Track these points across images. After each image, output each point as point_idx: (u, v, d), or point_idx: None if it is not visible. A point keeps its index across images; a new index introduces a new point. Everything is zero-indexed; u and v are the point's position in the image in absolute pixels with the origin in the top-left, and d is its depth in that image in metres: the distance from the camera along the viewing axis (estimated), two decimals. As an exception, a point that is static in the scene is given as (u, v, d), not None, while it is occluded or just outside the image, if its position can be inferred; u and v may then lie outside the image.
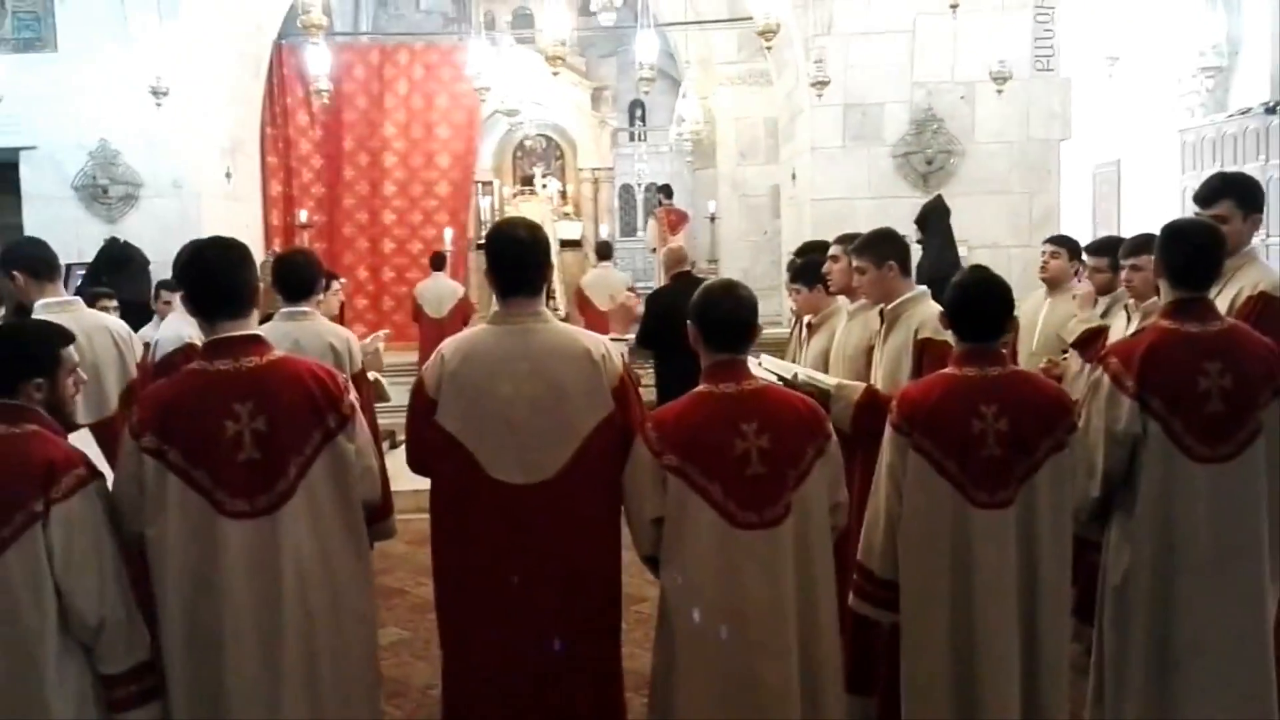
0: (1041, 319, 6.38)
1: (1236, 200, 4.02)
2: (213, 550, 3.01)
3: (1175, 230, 3.64)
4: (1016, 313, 6.57)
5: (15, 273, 4.76)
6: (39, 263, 4.77)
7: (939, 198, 10.40)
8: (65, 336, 3.23)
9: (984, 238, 11.11)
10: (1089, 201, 15.92)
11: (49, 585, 2.89)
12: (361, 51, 14.66)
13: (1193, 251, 3.53)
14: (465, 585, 3.43)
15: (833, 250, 5.01)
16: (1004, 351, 3.51)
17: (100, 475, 3.05)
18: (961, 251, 10.90)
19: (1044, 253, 6.64)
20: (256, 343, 3.18)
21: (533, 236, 3.47)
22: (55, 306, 4.65)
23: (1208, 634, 3.41)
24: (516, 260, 3.44)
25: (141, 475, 3.02)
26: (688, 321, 3.38)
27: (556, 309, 5.53)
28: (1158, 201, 13.40)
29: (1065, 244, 6.62)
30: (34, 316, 4.56)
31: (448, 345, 3.48)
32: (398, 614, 6.25)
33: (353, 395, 3.27)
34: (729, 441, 3.20)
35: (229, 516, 3.01)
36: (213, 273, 3.17)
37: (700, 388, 3.33)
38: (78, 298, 5.14)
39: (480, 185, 16.15)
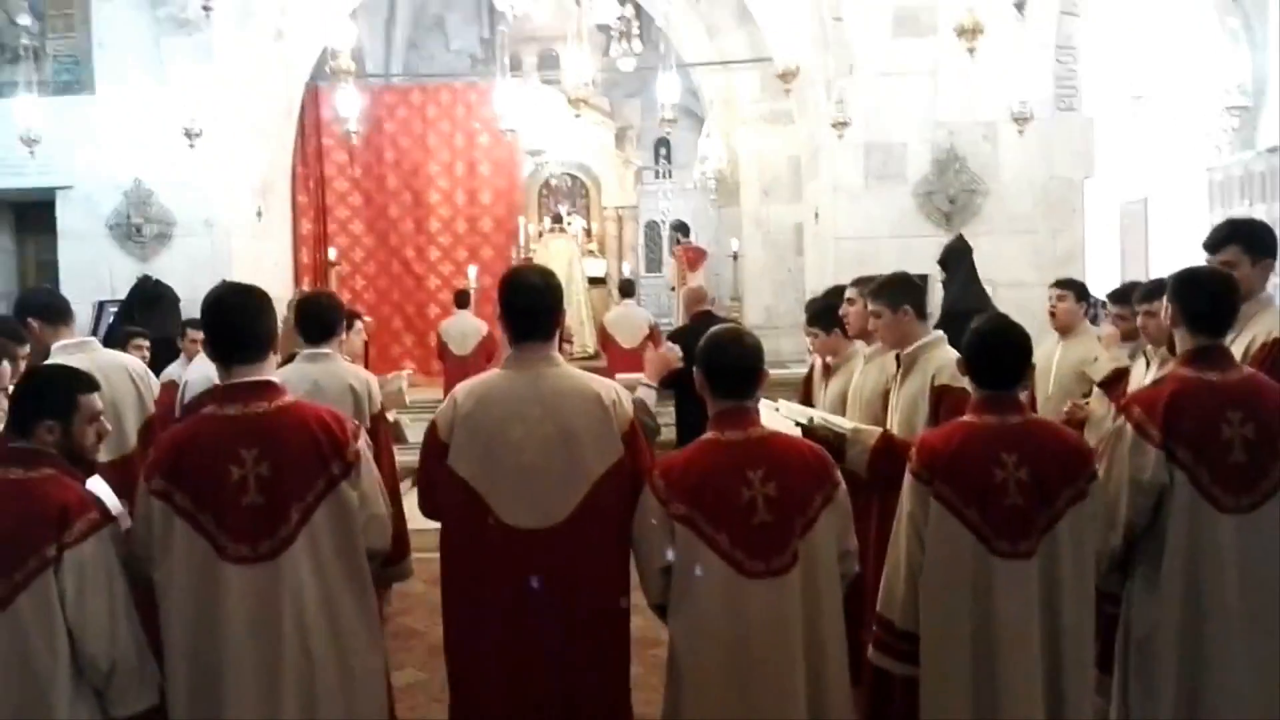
0: (1055, 363, 6.37)
1: (1243, 245, 4.01)
2: (214, 595, 3.04)
3: (1189, 277, 3.63)
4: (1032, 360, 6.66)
5: (30, 320, 4.89)
6: (50, 310, 4.94)
7: (960, 237, 10.40)
8: (87, 383, 3.26)
9: (1008, 277, 11.06)
10: (1116, 239, 15.89)
11: (61, 629, 2.91)
12: (403, 92, 14.85)
13: (1208, 298, 3.52)
14: (474, 629, 3.45)
15: (849, 293, 5.03)
16: (1023, 399, 3.52)
17: (114, 519, 3.08)
18: (987, 290, 10.91)
19: (1051, 296, 6.63)
20: (268, 389, 3.22)
21: (545, 283, 3.51)
22: (71, 348, 4.81)
23: (1240, 686, 3.36)
24: (529, 306, 3.47)
25: (151, 518, 3.07)
26: (694, 369, 3.41)
27: (572, 353, 5.54)
28: (1186, 239, 13.33)
29: (1072, 286, 6.62)
30: (50, 360, 4.68)
31: (461, 389, 3.51)
32: (416, 655, 6.19)
33: (362, 442, 3.30)
34: (736, 489, 3.20)
35: (230, 561, 3.04)
36: (231, 319, 3.24)
37: (707, 435, 3.34)
38: (93, 338, 5.29)
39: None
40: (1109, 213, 15.39)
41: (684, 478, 3.27)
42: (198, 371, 6.15)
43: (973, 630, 3.30)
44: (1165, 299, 3.68)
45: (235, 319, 3.24)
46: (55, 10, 10.89)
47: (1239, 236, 4.06)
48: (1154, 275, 13.39)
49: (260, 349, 3.25)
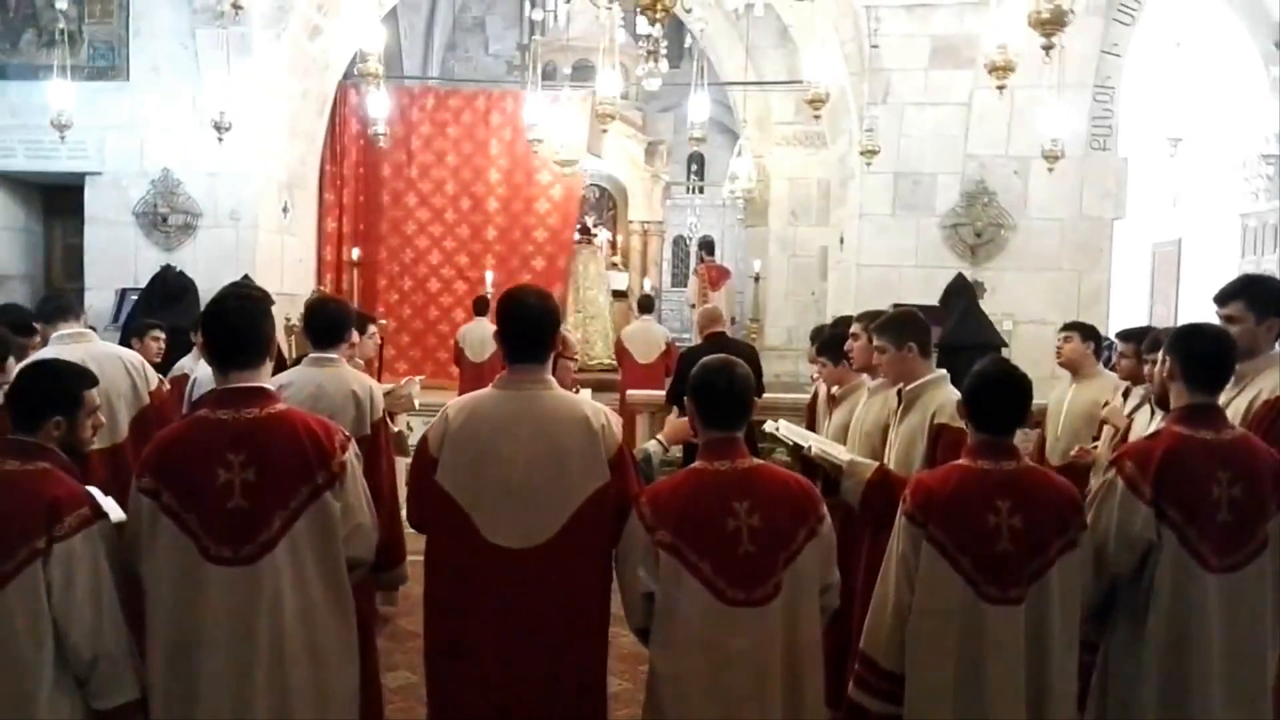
0: (1066, 406, 6.35)
1: (1248, 301, 3.97)
2: (195, 593, 3.08)
3: (1189, 333, 3.62)
4: (1045, 400, 6.63)
5: (35, 324, 5.23)
6: (51, 310, 5.26)
7: (960, 276, 10.41)
8: (88, 379, 3.33)
9: (1029, 314, 11.05)
10: (1147, 280, 15.79)
11: (47, 620, 2.97)
12: (469, 96, 14.89)
13: (1207, 356, 3.51)
14: (453, 642, 3.45)
15: (854, 328, 5.02)
16: (1025, 440, 3.50)
17: (105, 516, 3.13)
18: (1006, 326, 10.86)
19: (1058, 338, 6.61)
20: (262, 395, 3.25)
21: (542, 306, 3.52)
22: (67, 338, 5.05)
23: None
24: (523, 329, 3.49)
25: (140, 514, 3.12)
26: (684, 398, 3.40)
27: (576, 365, 5.51)
28: (1217, 283, 13.23)
29: (1078, 328, 6.62)
30: (48, 348, 4.89)
31: (453, 405, 3.53)
32: (410, 657, 6.15)
33: (350, 453, 3.31)
34: (721, 520, 3.20)
35: (213, 562, 3.07)
36: (232, 324, 3.28)
37: (695, 464, 3.35)
38: (88, 330, 5.37)
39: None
40: (1141, 253, 15.29)
41: (670, 506, 3.28)
42: (208, 368, 6.16)
43: (959, 674, 3.29)
44: (1163, 352, 3.66)
45: (234, 325, 3.28)
46: (93, -5, 10.98)
47: (1246, 292, 4.03)
48: (1183, 318, 13.36)
49: (257, 355, 3.29)
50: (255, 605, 3.09)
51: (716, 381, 3.35)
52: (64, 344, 4.97)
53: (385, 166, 14.39)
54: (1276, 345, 4.03)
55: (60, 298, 5.55)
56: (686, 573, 3.20)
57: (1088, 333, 6.58)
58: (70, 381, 3.28)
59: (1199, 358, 3.51)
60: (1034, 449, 6.97)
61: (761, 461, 3.41)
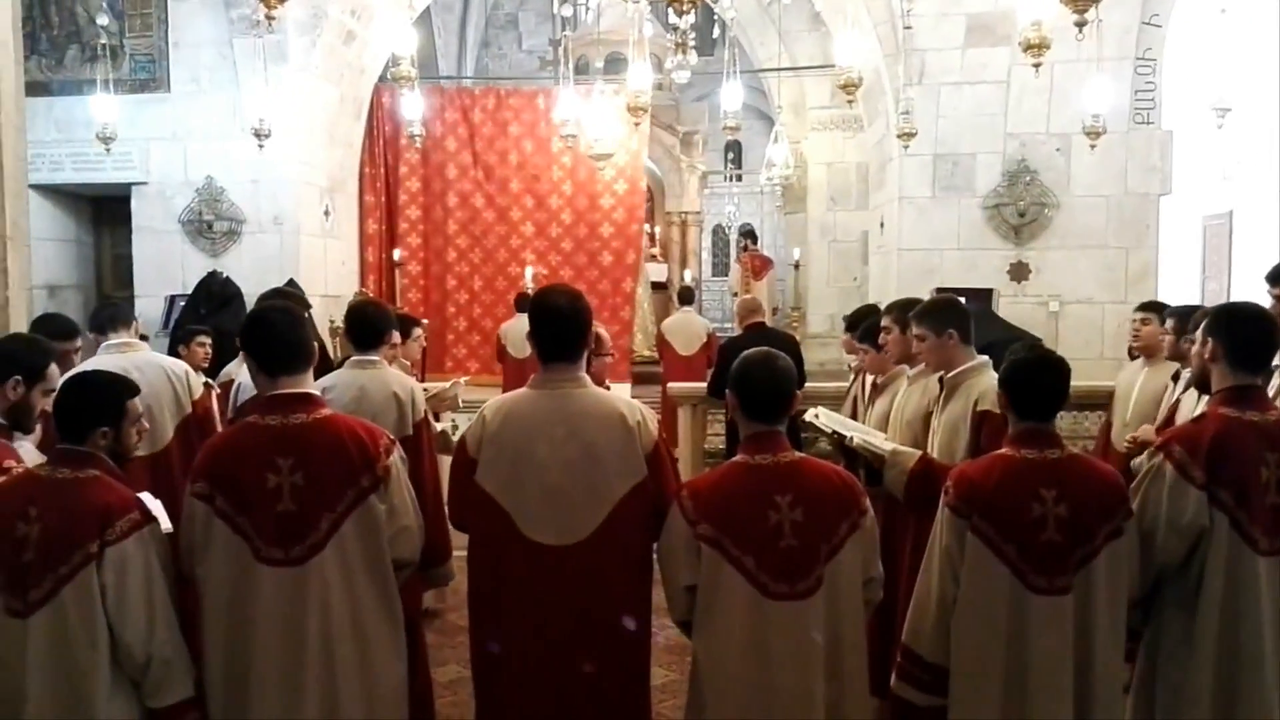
0: (1137, 389, 6.14)
1: None
2: (248, 593, 3.18)
3: (1229, 314, 3.57)
4: (1113, 382, 6.49)
5: (89, 334, 5.55)
6: (103, 321, 5.53)
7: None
8: (131, 388, 3.41)
9: (1077, 293, 10.93)
10: (1198, 254, 15.53)
11: (102, 622, 3.07)
12: (529, 95, 14.93)
13: (1248, 337, 3.46)
14: (498, 639, 3.50)
15: (884, 322, 4.96)
16: (1058, 432, 3.45)
17: (154, 520, 3.22)
18: (1053, 307, 10.75)
19: (1134, 320, 6.40)
20: (308, 401, 3.35)
21: (573, 306, 3.55)
22: (115, 347, 5.36)
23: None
24: (556, 329, 3.52)
25: (194, 518, 3.22)
26: (726, 391, 3.41)
27: (610, 353, 5.47)
28: (1271, 256, 13.02)
29: (1156, 310, 6.30)
30: (97, 357, 5.29)
31: (490, 406, 3.58)
32: (460, 652, 6.19)
33: (395, 456, 3.38)
34: (763, 513, 3.21)
35: (264, 563, 3.18)
36: (276, 333, 3.37)
37: (737, 458, 3.35)
38: (136, 340, 5.60)
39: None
40: (1191, 228, 15.05)
41: (712, 500, 3.29)
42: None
43: (1005, 665, 3.28)
44: (1201, 334, 3.60)
45: (279, 334, 3.37)
46: (133, 10, 11.15)
47: None
48: (1236, 293, 13.13)
49: (302, 361, 3.39)
50: (305, 604, 3.19)
51: (757, 375, 3.35)
52: (111, 353, 5.28)
53: (424, 167, 14.45)
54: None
55: (112, 307, 5.76)
56: (728, 566, 3.22)
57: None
58: (114, 392, 3.35)
59: (1241, 339, 3.45)
60: (1100, 433, 6.85)
61: (803, 455, 3.41)
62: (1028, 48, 6.17)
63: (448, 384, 6.47)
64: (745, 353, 3.45)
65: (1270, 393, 3.64)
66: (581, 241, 14.59)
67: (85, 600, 3.05)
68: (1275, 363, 3.92)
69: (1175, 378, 5.68)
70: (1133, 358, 6.60)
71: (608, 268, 14.54)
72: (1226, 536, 3.30)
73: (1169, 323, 5.72)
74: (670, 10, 4.82)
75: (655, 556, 3.48)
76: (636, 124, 7.47)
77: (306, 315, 3.57)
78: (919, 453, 4.31)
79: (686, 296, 12.41)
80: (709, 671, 3.30)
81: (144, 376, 4.89)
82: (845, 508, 3.28)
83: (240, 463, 3.22)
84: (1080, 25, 4.80)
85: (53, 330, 5.07)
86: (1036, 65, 6.13)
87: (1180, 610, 3.40)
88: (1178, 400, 5.30)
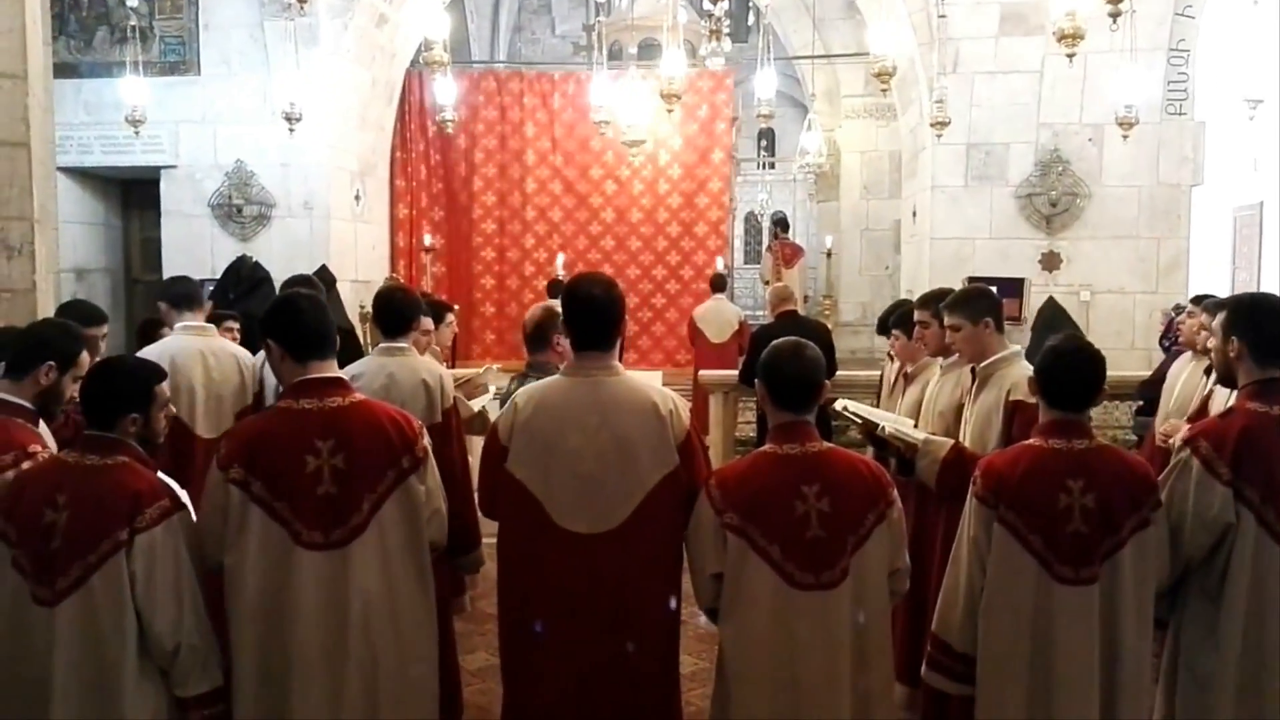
0: (1181, 381, 6.14)
1: None
2: (287, 579, 3.17)
3: (1254, 307, 3.55)
4: (1122, 374, 6.46)
5: (160, 303, 5.67)
6: (179, 296, 5.59)
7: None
8: (159, 373, 3.40)
9: (1109, 283, 10.90)
10: (1229, 245, 15.41)
11: (130, 610, 3.05)
12: (561, 80, 14.96)
13: (1276, 329, 3.43)
14: (527, 627, 3.50)
15: (918, 315, 4.94)
16: (1089, 423, 3.44)
17: (184, 507, 3.21)
18: (1084, 296, 10.71)
19: (1184, 312, 6.39)
20: (340, 384, 3.36)
21: (607, 295, 3.54)
22: (192, 329, 5.46)
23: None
24: (590, 317, 3.52)
25: (227, 505, 3.18)
26: (755, 380, 3.40)
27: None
28: (1301, 248, 12.92)
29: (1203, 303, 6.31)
30: (170, 336, 5.44)
31: (522, 394, 3.58)
32: (489, 639, 6.15)
33: (426, 439, 3.41)
34: (790, 503, 3.22)
35: (304, 547, 3.17)
36: (305, 319, 3.37)
37: (765, 447, 3.37)
38: (211, 325, 5.69)
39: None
40: (1222, 219, 14.93)
41: (739, 489, 3.30)
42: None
43: (1032, 654, 3.30)
44: (1222, 330, 3.56)
45: (309, 319, 3.37)
46: (163, -9, 11.17)
47: None
48: (1266, 283, 13.02)
49: (332, 346, 3.41)
50: (347, 587, 3.19)
51: (786, 365, 3.35)
52: (186, 334, 5.40)
53: (452, 151, 14.47)
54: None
55: (187, 284, 5.78)
56: (754, 555, 3.23)
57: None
58: (142, 379, 3.32)
59: (1267, 332, 3.43)
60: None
61: (831, 445, 3.42)
62: (1062, 38, 6.13)
63: (480, 369, 6.48)
64: (774, 342, 3.46)
65: None
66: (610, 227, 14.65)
67: (114, 588, 3.03)
68: None
69: (1209, 371, 5.64)
70: (1164, 349, 6.58)
71: (635, 252, 14.57)
72: (1253, 532, 3.30)
73: (1197, 310, 5.72)
74: (704, -4, 4.79)
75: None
76: (670, 110, 7.43)
77: (333, 294, 3.55)
78: (951, 441, 4.31)
79: (718, 284, 12.36)
80: (734, 660, 3.32)
81: (217, 362, 5.30)
82: (872, 499, 3.29)
83: (278, 447, 3.20)
84: (1114, 16, 4.75)
85: (80, 315, 5.09)
86: (1071, 55, 6.10)
87: (1205, 602, 3.40)
88: (1210, 392, 5.25)
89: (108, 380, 3.29)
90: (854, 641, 3.24)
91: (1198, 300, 6.37)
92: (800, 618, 3.21)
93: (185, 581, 3.12)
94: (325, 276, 10.23)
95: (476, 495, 3.73)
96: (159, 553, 3.07)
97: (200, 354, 5.30)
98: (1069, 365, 3.41)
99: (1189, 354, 6.28)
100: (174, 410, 3.56)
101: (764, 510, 3.23)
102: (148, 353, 5.17)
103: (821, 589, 3.20)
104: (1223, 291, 11.36)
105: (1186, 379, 6.13)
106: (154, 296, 5.70)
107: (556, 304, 5.64)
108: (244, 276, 10.62)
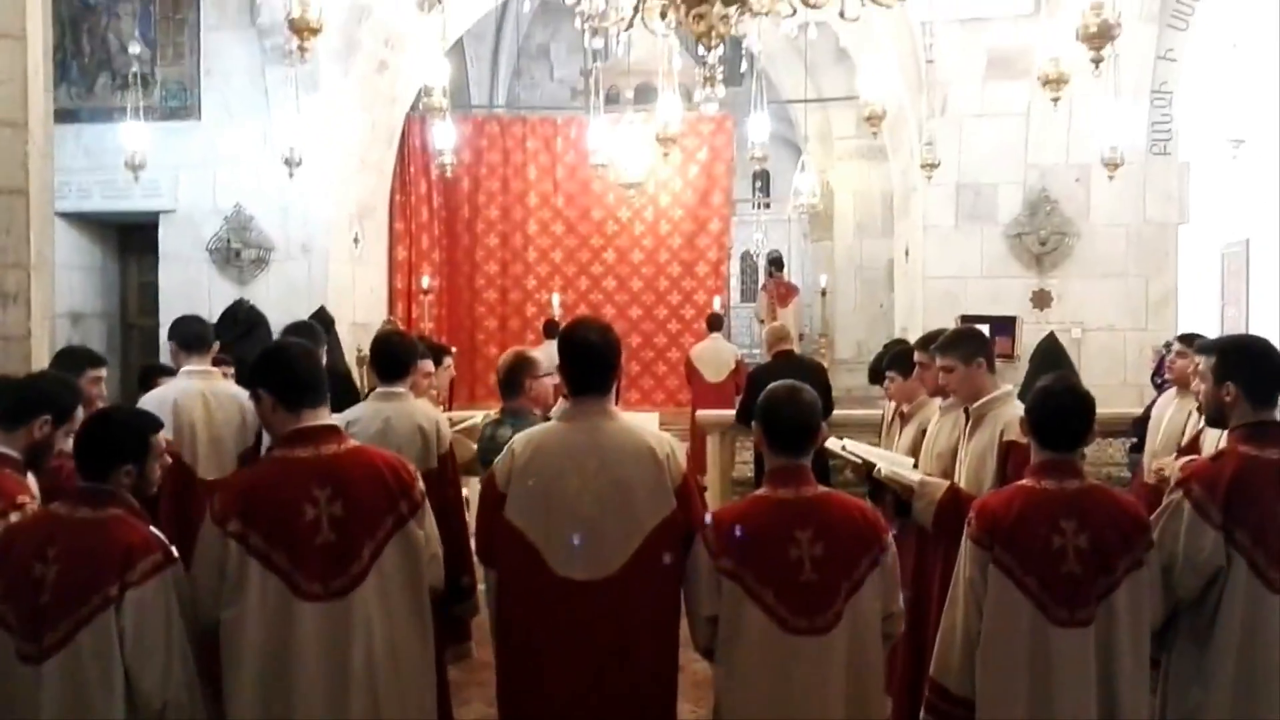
0: (1168, 418, 6.25)
1: None
2: (288, 631, 3.14)
3: (1241, 351, 3.61)
4: (1111, 411, 6.53)
5: (170, 342, 5.69)
6: (192, 337, 5.62)
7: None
8: (155, 424, 3.39)
9: (1099, 321, 10.98)
10: (1217, 281, 15.53)
11: (119, 667, 2.99)
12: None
13: (1266, 371, 3.49)
14: (526, 677, 3.51)
15: (919, 357, 4.97)
16: (1080, 463, 3.48)
17: (176, 561, 3.16)
18: (1075, 334, 10.81)
19: (1173, 350, 6.48)
20: (335, 432, 3.37)
21: (603, 339, 3.58)
22: (196, 374, 5.49)
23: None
24: (587, 362, 3.54)
25: (224, 560, 3.15)
26: (752, 423, 3.45)
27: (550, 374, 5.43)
28: (1287, 282, 13.05)
29: (1189, 341, 6.30)
30: (176, 379, 5.49)
31: (519, 439, 3.58)
32: (486, 690, 6.02)
33: (421, 484, 3.43)
34: (784, 547, 3.25)
35: (304, 599, 3.14)
36: (298, 366, 3.39)
37: (761, 491, 3.40)
38: (216, 369, 5.70)
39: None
40: (1210, 256, 15.07)
41: (733, 533, 3.32)
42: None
43: (1029, 697, 3.30)
44: (1212, 374, 3.58)
45: (302, 367, 3.39)
46: (165, 38, 11.26)
47: None
48: (1255, 320, 13.13)
49: (324, 394, 3.41)
50: (349, 637, 3.18)
51: (781, 409, 3.40)
52: (189, 378, 5.45)
53: (454, 194, 14.58)
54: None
55: (198, 325, 5.83)
56: (749, 600, 3.25)
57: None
58: (138, 430, 3.30)
59: (1257, 375, 3.48)
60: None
61: (828, 490, 3.46)
62: (1046, 82, 6.22)
63: (478, 415, 6.43)
64: (770, 386, 3.50)
65: None
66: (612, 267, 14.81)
67: (103, 645, 2.97)
68: None
69: (1200, 407, 5.71)
70: (1156, 386, 6.67)
71: (637, 292, 14.70)
72: (1244, 577, 3.32)
73: (1186, 348, 5.82)
74: (699, 44, 4.89)
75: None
76: (666, 154, 7.55)
77: (332, 336, 3.60)
78: (947, 483, 4.34)
79: (715, 323, 12.40)
80: (729, 704, 3.34)
81: (219, 404, 5.32)
82: (866, 544, 3.32)
83: (275, 498, 3.18)
84: (1096, 62, 4.85)
85: (81, 359, 5.17)
86: (1055, 99, 6.19)
87: (1193, 644, 3.43)
88: (1201, 430, 5.33)
89: (104, 431, 3.26)
90: (849, 686, 3.26)
91: (1187, 339, 6.45)
92: (794, 662, 3.23)
93: (175, 639, 3.07)
94: (324, 317, 10.30)
95: (475, 542, 3.73)
96: (149, 609, 3.02)
97: (202, 396, 5.34)
98: (1058, 406, 3.45)
99: (1174, 390, 6.38)
100: (169, 460, 3.54)
101: (758, 555, 3.26)
102: (149, 398, 5.28)
103: (815, 633, 3.22)
104: (1212, 327, 11.50)
105: (1172, 415, 6.22)
106: (167, 336, 5.76)
107: (527, 349, 5.74)
108: (240, 320, 10.61)
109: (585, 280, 14.76)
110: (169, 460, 3.51)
